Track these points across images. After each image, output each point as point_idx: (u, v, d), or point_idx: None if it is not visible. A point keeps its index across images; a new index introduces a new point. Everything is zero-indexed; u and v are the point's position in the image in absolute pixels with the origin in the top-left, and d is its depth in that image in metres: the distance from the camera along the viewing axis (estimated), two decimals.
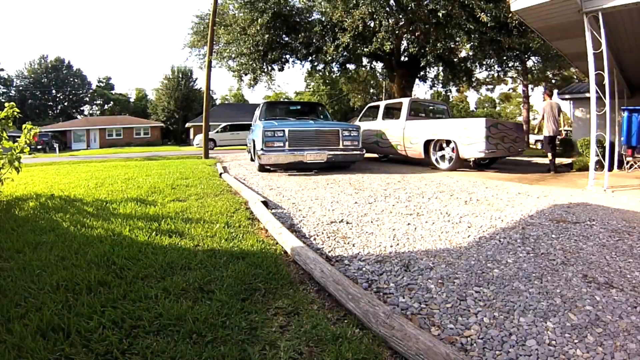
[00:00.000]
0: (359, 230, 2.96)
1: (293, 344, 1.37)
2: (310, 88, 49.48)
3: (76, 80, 56.92)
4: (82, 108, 59.03)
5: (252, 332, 1.45)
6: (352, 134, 7.27)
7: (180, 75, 51.16)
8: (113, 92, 62.07)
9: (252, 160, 9.59)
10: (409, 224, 3.14)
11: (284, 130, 6.79)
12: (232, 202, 3.87)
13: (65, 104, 56.39)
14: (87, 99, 59.15)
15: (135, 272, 1.95)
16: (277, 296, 1.75)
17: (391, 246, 2.54)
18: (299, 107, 10.05)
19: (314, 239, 2.71)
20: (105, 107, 59.95)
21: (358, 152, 7.36)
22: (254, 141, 8.03)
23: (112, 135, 41.83)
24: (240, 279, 1.87)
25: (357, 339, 1.40)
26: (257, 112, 9.01)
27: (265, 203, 3.66)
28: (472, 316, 1.61)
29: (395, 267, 2.16)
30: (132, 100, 62.58)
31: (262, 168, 7.28)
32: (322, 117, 9.06)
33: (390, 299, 1.77)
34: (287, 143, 6.77)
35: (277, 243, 2.55)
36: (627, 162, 8.74)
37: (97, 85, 60.69)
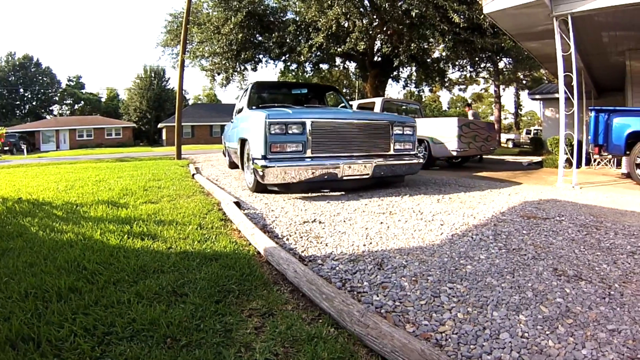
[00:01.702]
0: (332, 229, 2.96)
1: (268, 345, 1.35)
2: None
3: (45, 79, 55.04)
4: (51, 108, 57.16)
5: (227, 335, 1.42)
6: (406, 132, 4.86)
7: (153, 75, 50.26)
8: (83, 91, 60.33)
9: (233, 167, 7.71)
10: (381, 222, 3.15)
11: (303, 123, 4.11)
12: (204, 203, 3.83)
13: (34, 103, 54.49)
14: (57, 98, 57.25)
15: (107, 276, 1.89)
16: (251, 297, 1.72)
17: (364, 245, 2.55)
18: (304, 92, 7.26)
19: (287, 239, 2.70)
20: (76, 107, 58.14)
21: (415, 161, 4.86)
22: (241, 142, 5.13)
23: (83, 136, 40.73)
24: (214, 281, 1.84)
25: (332, 339, 1.39)
26: (243, 99, 6.21)
27: (238, 204, 3.62)
28: (446, 312, 1.62)
29: (369, 265, 2.16)
30: (103, 100, 61.00)
31: (262, 188, 4.49)
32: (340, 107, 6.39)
33: (364, 298, 1.77)
34: (309, 145, 4.12)
35: (250, 244, 2.53)
36: (595, 160, 9.08)
37: (67, 84, 58.94)
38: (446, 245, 2.55)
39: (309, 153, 4.12)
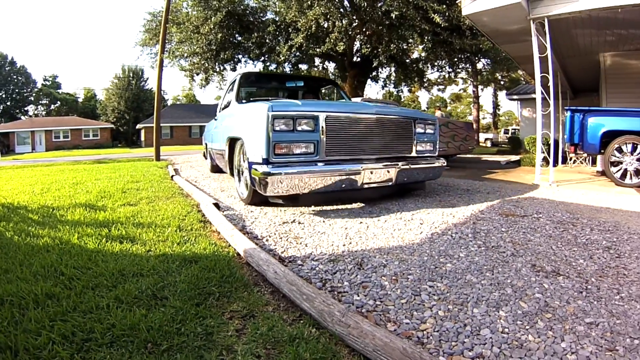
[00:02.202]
0: (311, 229, 2.96)
1: (250, 347, 1.34)
2: None
3: (20, 78, 53.41)
4: (26, 108, 55.47)
5: (208, 338, 1.40)
6: (427, 131, 4.21)
7: (131, 75, 49.52)
8: (60, 91, 58.81)
9: (215, 170, 6.93)
10: (361, 222, 3.16)
11: (316, 118, 3.33)
12: (183, 205, 3.78)
13: (8, 103, 52.76)
14: (32, 98, 55.58)
15: (85, 281, 1.84)
16: (232, 299, 1.70)
17: (344, 245, 2.55)
18: (299, 84, 6.36)
19: (267, 240, 2.68)
20: (52, 107, 56.67)
21: (438, 164, 4.19)
22: (230, 142, 4.34)
23: (59, 137, 39.78)
24: (194, 284, 1.81)
25: (314, 339, 1.38)
26: (230, 93, 5.45)
27: (217, 205, 3.59)
28: (427, 310, 1.63)
29: (349, 265, 2.16)
30: (80, 100, 59.65)
31: (261, 199, 3.73)
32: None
33: (345, 298, 1.77)
34: (323, 145, 3.36)
35: (229, 245, 2.50)
36: (571, 158, 9.32)
37: (42, 84, 57.27)
38: (426, 244, 2.57)
39: (322, 155, 3.35)
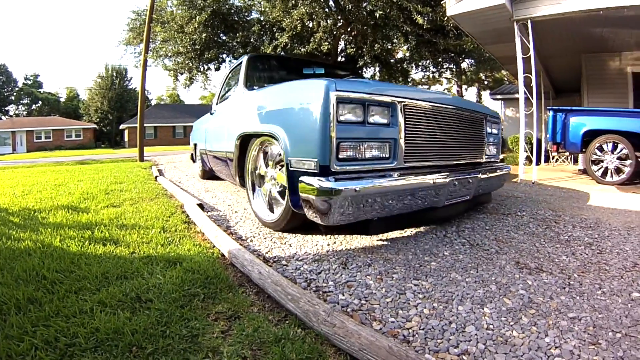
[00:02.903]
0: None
1: (236, 348, 1.33)
2: None
3: (0, 77, 52.27)
4: (6, 108, 54.35)
5: (193, 340, 1.38)
6: (494, 130, 3.53)
7: (115, 74, 48.93)
8: (41, 90, 57.71)
9: (207, 177, 6.03)
10: None
11: (392, 106, 2.32)
12: (167, 206, 3.73)
13: None
14: (13, 98, 54.51)
15: (68, 285, 1.80)
16: (217, 301, 1.69)
17: (328, 245, 2.54)
18: (318, 72, 4.88)
19: (251, 241, 2.66)
20: (33, 107, 55.61)
21: (506, 171, 3.50)
22: (242, 141, 3.24)
23: (41, 137, 39.03)
24: (179, 285, 1.79)
25: (299, 339, 1.38)
26: (233, 81, 4.38)
27: (201, 206, 3.57)
28: (412, 308, 1.64)
29: (334, 265, 2.16)
30: (62, 100, 58.66)
31: (298, 224, 2.71)
32: None
33: (330, 297, 1.77)
34: (401, 146, 2.38)
35: (214, 246, 2.49)
36: (553, 157, 9.49)
37: (23, 83, 56.20)
38: (410, 242, 2.58)
39: (400, 161, 2.37)
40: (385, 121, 2.30)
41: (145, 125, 13.27)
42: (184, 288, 1.78)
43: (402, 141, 2.37)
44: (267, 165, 2.98)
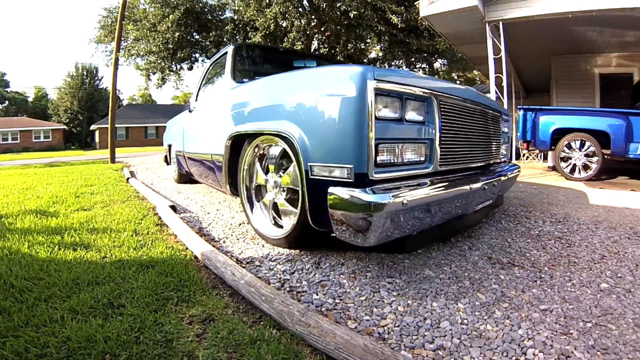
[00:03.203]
0: None
1: (211, 352, 1.31)
2: None
3: None
4: None
5: (168, 345, 1.36)
6: (505, 129, 3.30)
7: (85, 73, 47.61)
8: (8, 90, 55.56)
9: (184, 181, 5.58)
10: None
11: (428, 101, 1.97)
12: (139, 208, 3.67)
13: None
14: None
15: (37, 293, 1.74)
16: (191, 304, 1.67)
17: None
18: (310, 66, 4.19)
19: (224, 242, 2.64)
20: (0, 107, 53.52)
21: (517, 172, 3.23)
22: (233, 141, 2.78)
23: (8, 139, 37.60)
24: (152, 289, 1.76)
25: (275, 340, 1.37)
26: (218, 72, 3.84)
27: (174, 207, 3.52)
28: (387, 306, 1.65)
29: (307, 265, 2.16)
30: (30, 99, 56.66)
31: (312, 239, 2.33)
32: None
33: (304, 297, 1.77)
34: (437, 147, 2.01)
35: (187, 248, 2.45)
36: (524, 155, 9.77)
37: None
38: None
39: (435, 165, 2.04)
40: (421, 118, 1.95)
41: (116, 125, 12.98)
42: (157, 292, 1.75)
43: (437, 142, 2.01)
44: (266, 171, 2.53)
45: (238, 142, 2.75)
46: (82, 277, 1.92)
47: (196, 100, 4.35)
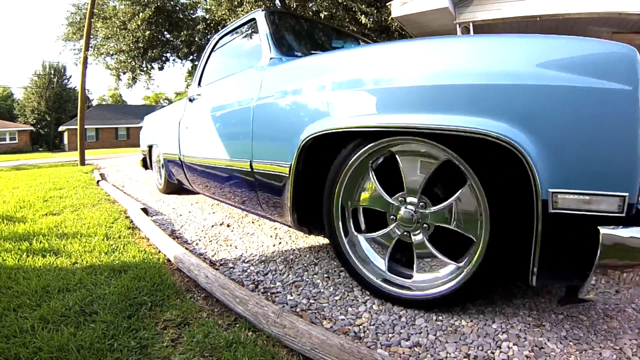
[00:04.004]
0: (241, 231, 2.95)
1: (187, 356, 1.30)
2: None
3: None
4: None
5: (143, 351, 1.34)
6: None
7: (53, 72, 46.10)
8: None
9: (171, 191, 4.64)
10: None
11: None
12: (111, 212, 3.61)
13: None
14: None
15: (5, 303, 1.68)
16: (165, 308, 1.65)
17: (274, 245, 2.56)
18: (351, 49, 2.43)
19: (197, 244, 2.64)
20: None
21: None
22: (305, 143, 1.76)
23: None
24: (125, 295, 1.73)
25: (251, 342, 1.37)
26: (262, 38, 2.42)
27: (145, 210, 3.49)
28: (362, 305, 1.68)
29: (280, 265, 2.18)
30: None
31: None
32: None
33: (278, 298, 1.78)
34: None
35: (159, 251, 2.43)
36: None
37: None
38: None
39: None
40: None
41: (86, 127, 12.60)
42: (131, 297, 1.72)
43: None
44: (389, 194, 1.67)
45: (321, 146, 1.84)
46: (52, 284, 1.87)
47: (199, 85, 3.35)
